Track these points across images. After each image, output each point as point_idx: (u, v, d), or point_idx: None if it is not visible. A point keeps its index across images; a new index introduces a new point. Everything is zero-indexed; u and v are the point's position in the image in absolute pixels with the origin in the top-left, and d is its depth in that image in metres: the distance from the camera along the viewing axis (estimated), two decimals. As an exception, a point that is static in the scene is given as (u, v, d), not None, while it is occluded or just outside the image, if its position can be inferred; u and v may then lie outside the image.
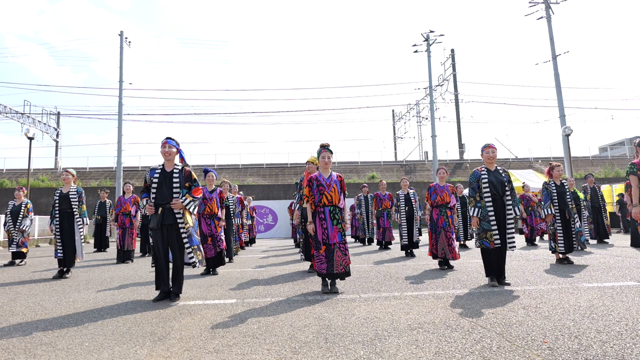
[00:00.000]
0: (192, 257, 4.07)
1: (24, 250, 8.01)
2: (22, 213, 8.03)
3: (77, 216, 6.02)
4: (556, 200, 6.39)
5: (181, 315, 3.36)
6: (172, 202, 4.04)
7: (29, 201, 8.32)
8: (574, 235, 6.38)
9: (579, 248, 6.64)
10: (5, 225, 8.19)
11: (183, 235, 4.08)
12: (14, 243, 7.92)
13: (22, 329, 3.04)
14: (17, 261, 8.02)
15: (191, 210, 4.14)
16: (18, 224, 7.97)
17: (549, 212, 6.37)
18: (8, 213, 8.11)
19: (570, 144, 18.46)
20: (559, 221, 6.36)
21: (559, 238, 6.28)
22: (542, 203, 6.50)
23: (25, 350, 2.56)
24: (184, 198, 4.08)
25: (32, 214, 8.31)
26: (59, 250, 5.91)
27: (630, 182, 4.40)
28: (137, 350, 2.50)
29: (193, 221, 4.25)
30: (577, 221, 6.46)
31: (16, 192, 8.19)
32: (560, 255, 6.33)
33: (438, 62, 28.75)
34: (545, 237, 12.48)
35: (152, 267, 4.16)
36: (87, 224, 6.16)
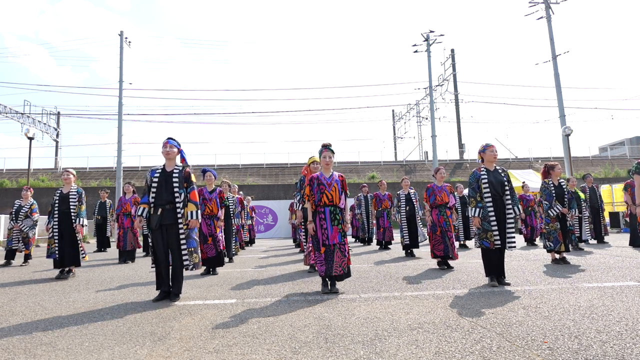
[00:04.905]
0: (187, 260, 4.07)
1: (26, 251, 7.98)
2: (22, 213, 7.99)
3: (74, 216, 5.96)
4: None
5: (181, 315, 3.36)
6: (188, 223, 4.11)
7: (34, 202, 8.27)
8: (577, 235, 6.33)
9: (573, 248, 6.57)
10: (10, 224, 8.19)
11: (181, 237, 4.08)
12: (13, 242, 7.89)
13: (22, 329, 3.04)
14: (21, 262, 8.01)
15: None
16: (19, 222, 7.95)
17: (558, 210, 6.24)
18: (13, 212, 8.10)
19: (570, 144, 18.47)
20: (557, 221, 6.33)
21: (554, 238, 6.25)
22: (547, 203, 6.38)
23: (25, 350, 2.56)
24: (190, 212, 4.12)
25: (37, 214, 8.22)
26: (56, 251, 5.85)
27: (635, 181, 4.41)
28: (137, 350, 2.50)
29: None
30: (572, 221, 6.39)
31: (24, 192, 8.14)
32: (557, 256, 6.31)
33: (438, 62, 28.74)
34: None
35: (152, 267, 4.16)
36: (85, 225, 6.04)
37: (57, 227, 5.90)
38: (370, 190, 11.98)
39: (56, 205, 5.94)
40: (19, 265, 7.91)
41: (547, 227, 6.35)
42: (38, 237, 16.52)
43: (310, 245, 4.73)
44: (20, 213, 8.00)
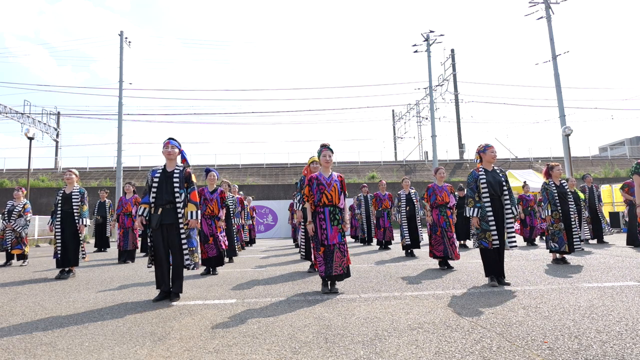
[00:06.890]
0: (189, 259, 4.08)
1: (19, 251, 7.93)
2: (15, 213, 7.97)
3: (77, 216, 5.98)
4: (558, 201, 6.35)
5: (181, 315, 3.36)
6: (188, 223, 4.14)
7: (27, 202, 8.26)
8: (575, 236, 6.33)
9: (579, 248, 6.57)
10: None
11: (182, 236, 4.09)
12: (8, 242, 7.88)
13: (22, 329, 3.04)
14: (20, 262, 8.00)
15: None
16: (12, 222, 7.92)
17: (548, 213, 6.31)
18: (5, 212, 8.07)
19: (570, 144, 18.46)
20: (561, 222, 6.32)
21: (559, 238, 6.24)
22: (542, 204, 6.44)
23: (25, 350, 2.56)
24: (190, 212, 4.14)
25: (30, 214, 8.20)
26: (59, 251, 5.87)
27: (634, 181, 4.43)
28: (137, 350, 2.50)
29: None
30: (576, 221, 6.40)
31: (15, 193, 8.12)
32: (557, 256, 6.30)
33: (438, 62, 28.79)
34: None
35: (148, 267, 4.17)
36: (87, 225, 6.08)
37: (59, 227, 5.92)
38: (370, 190, 11.99)
39: (59, 205, 5.95)
40: (19, 265, 7.91)
41: (551, 228, 6.34)
42: (38, 237, 16.55)
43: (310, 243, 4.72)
44: (13, 213, 7.97)
